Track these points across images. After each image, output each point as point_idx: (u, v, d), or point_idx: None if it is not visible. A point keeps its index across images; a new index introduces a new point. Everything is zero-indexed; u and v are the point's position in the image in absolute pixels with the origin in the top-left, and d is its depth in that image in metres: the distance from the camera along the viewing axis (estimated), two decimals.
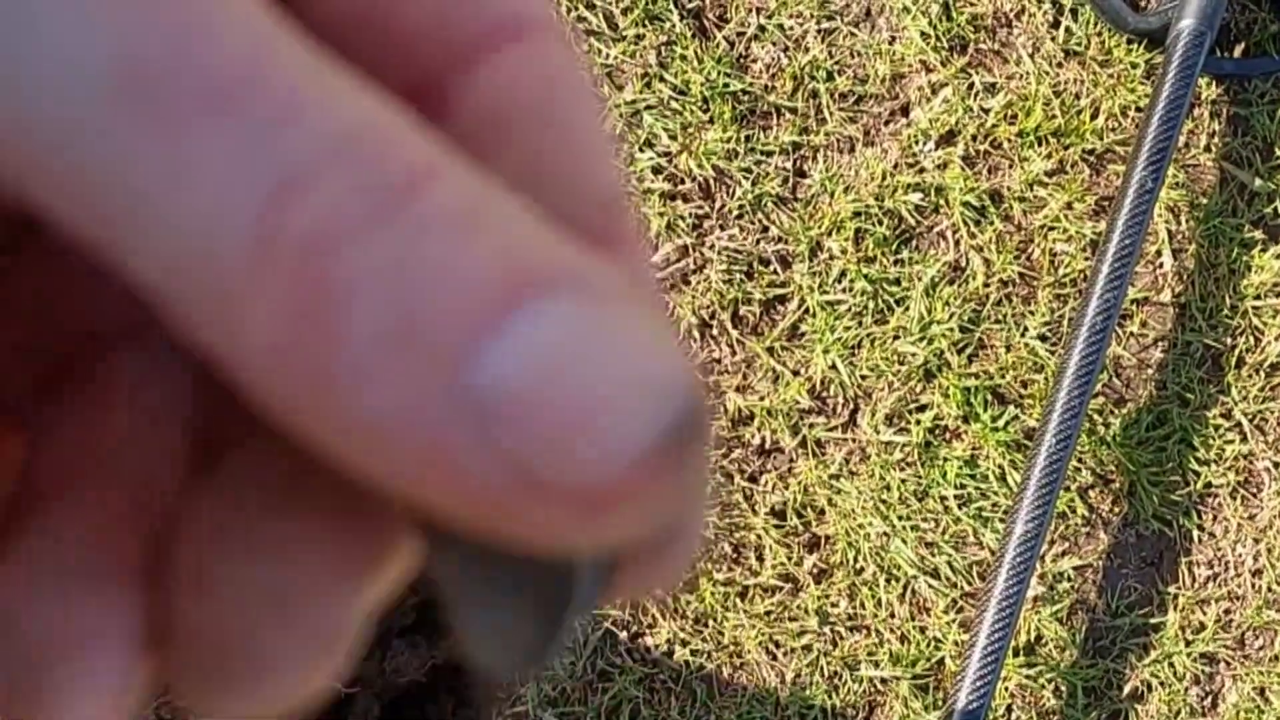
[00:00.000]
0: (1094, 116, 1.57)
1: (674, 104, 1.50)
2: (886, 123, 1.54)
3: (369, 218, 0.15)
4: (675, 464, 0.15)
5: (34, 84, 0.15)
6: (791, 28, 1.53)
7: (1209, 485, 1.55)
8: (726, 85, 1.50)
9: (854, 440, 1.49)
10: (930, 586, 1.48)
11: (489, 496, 0.15)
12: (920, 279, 1.51)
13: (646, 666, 1.43)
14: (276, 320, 0.15)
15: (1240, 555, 1.54)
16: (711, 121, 1.50)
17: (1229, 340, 1.56)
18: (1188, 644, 1.52)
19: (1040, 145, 1.55)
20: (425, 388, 0.15)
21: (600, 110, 0.19)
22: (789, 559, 1.46)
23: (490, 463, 0.15)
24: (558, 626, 0.17)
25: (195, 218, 0.15)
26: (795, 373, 1.49)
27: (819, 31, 1.54)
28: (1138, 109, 1.57)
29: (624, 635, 1.43)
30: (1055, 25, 1.58)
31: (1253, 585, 1.54)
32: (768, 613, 1.45)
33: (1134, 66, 1.57)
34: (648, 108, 1.49)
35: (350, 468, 0.16)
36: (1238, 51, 1.60)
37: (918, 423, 1.49)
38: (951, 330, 1.50)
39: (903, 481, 1.48)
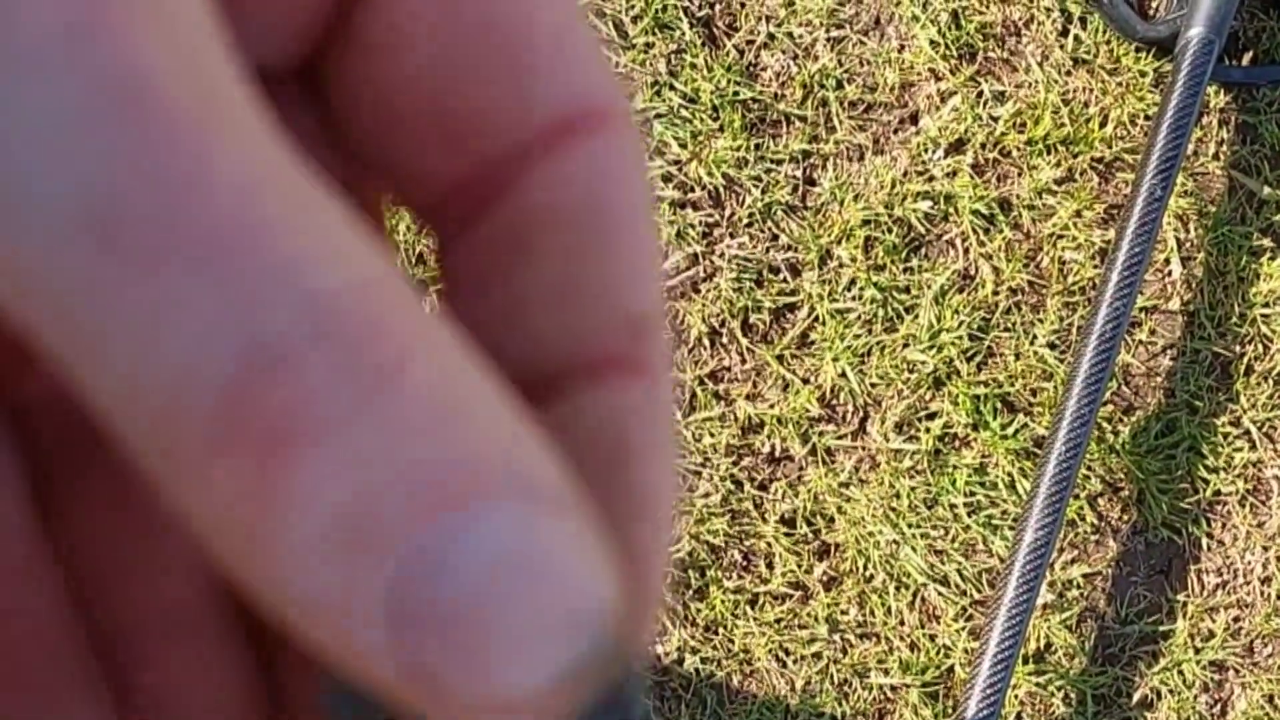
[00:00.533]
0: (1103, 125, 1.56)
1: (684, 112, 1.50)
2: (896, 131, 1.54)
3: (344, 408, 0.15)
4: (574, 692, 0.15)
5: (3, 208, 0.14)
6: (801, 36, 1.53)
7: (1218, 493, 1.54)
8: (736, 93, 1.50)
9: (864, 448, 1.49)
10: (940, 594, 1.48)
11: (396, 687, 0.15)
12: (930, 287, 1.51)
13: (656, 674, 1.43)
14: (229, 490, 0.15)
15: (1249, 563, 1.54)
16: (721, 129, 1.50)
17: (1238, 348, 1.56)
18: (1197, 651, 1.52)
19: (1049, 153, 1.55)
20: (358, 587, 0.15)
21: (652, 219, 0.19)
22: (799, 567, 1.46)
23: (402, 665, 0.15)
24: None
25: (162, 371, 0.14)
26: (805, 381, 1.48)
27: (828, 40, 1.54)
28: (1146, 117, 1.56)
29: None
30: (1064, 34, 1.58)
31: (1261, 593, 1.54)
32: (778, 620, 1.45)
33: (1143, 75, 1.57)
34: (658, 116, 1.49)
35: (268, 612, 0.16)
36: (1246, 60, 1.60)
37: (927, 431, 1.49)
38: (961, 338, 1.50)
39: (912, 489, 1.48)
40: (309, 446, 0.14)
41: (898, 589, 1.47)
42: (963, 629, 1.47)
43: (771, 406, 1.48)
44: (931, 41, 1.55)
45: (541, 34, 0.18)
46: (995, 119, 1.55)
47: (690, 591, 1.44)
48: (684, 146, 1.49)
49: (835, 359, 1.48)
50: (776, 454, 1.48)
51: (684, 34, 1.51)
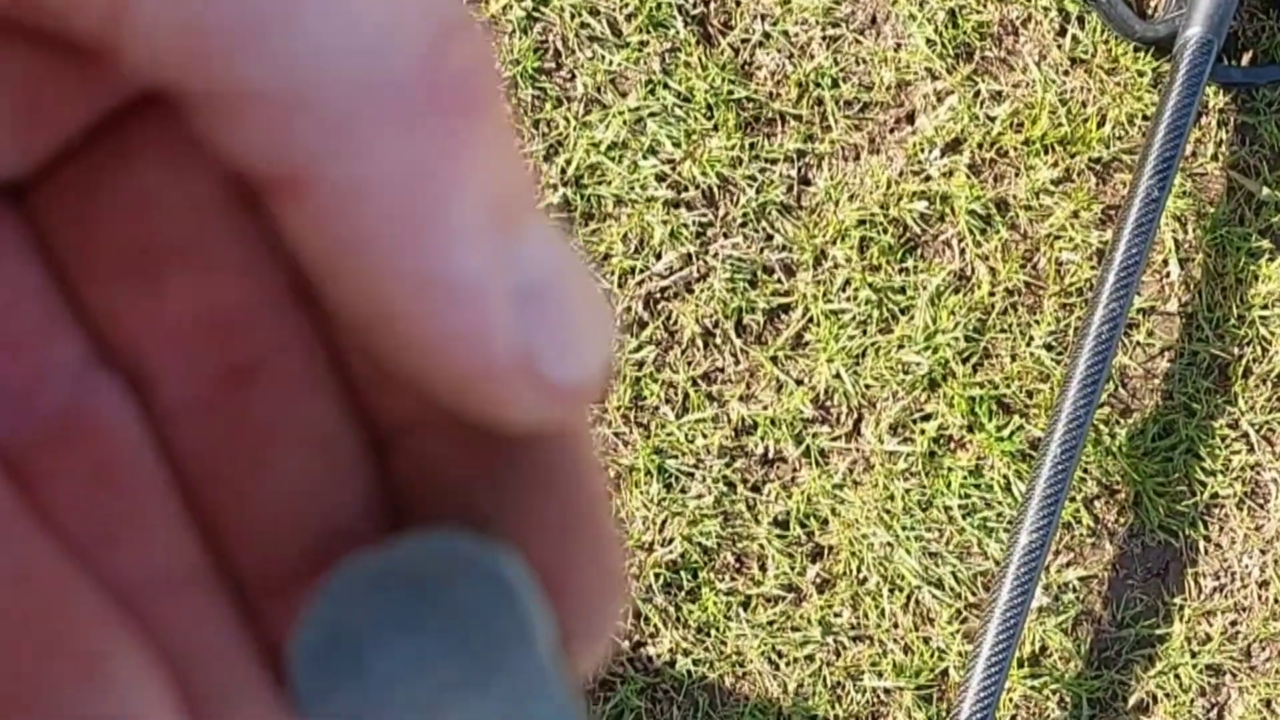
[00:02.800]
0: (1100, 125, 1.56)
1: (678, 111, 1.49)
2: (892, 130, 1.53)
3: (495, 90, 0.17)
4: (608, 378, 0.18)
5: None
6: (796, 34, 1.52)
7: (1215, 496, 1.54)
8: (730, 92, 1.50)
9: (858, 450, 1.48)
10: (934, 597, 1.47)
11: (492, 369, 0.17)
12: (925, 288, 1.50)
13: (649, 676, 1.43)
14: (414, 152, 0.16)
15: (1246, 566, 1.53)
16: (715, 129, 1.49)
17: (1236, 350, 1.55)
18: (1193, 655, 1.51)
19: (1046, 153, 1.54)
20: (500, 263, 0.17)
21: None
22: (792, 569, 1.46)
23: (511, 344, 0.17)
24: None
25: (366, 37, 0.16)
26: (799, 382, 1.48)
27: (824, 38, 1.53)
28: (1144, 117, 1.56)
29: (626, 644, 1.43)
30: (1062, 33, 1.57)
31: (1259, 596, 1.53)
32: (770, 622, 1.45)
33: (1141, 74, 1.56)
34: (651, 115, 1.48)
35: (377, 318, 0.17)
36: (1245, 60, 1.59)
37: (922, 432, 1.48)
38: (956, 339, 1.50)
39: (907, 491, 1.48)
40: (481, 105, 0.16)
41: (892, 591, 1.47)
42: (957, 632, 1.47)
43: (765, 408, 1.47)
44: (928, 40, 1.54)
45: None
46: (992, 119, 1.54)
47: (683, 593, 1.44)
48: (678, 145, 1.48)
49: (830, 360, 1.48)
50: (770, 456, 1.47)
51: (678, 32, 1.50)
